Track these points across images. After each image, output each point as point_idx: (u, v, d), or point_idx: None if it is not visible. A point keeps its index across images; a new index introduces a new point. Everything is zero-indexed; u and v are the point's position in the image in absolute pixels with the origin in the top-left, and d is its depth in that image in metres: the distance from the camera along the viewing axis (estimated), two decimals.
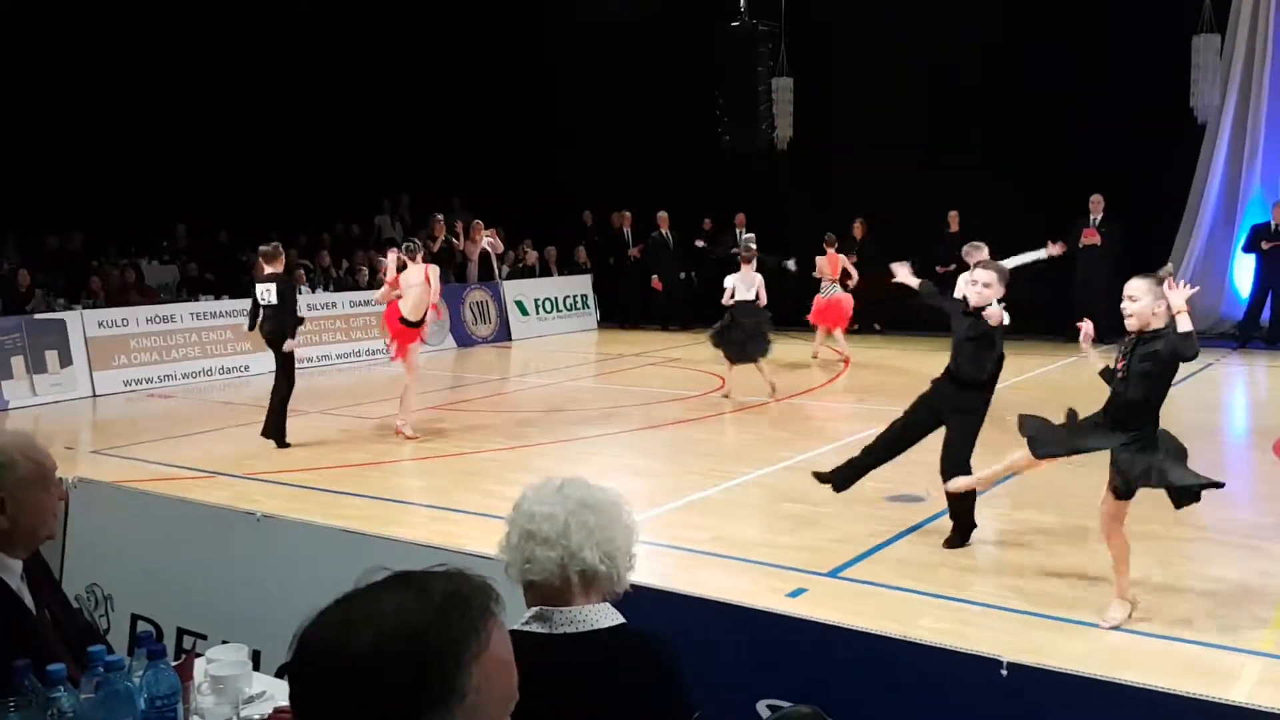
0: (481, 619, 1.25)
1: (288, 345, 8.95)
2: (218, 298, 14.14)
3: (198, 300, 14.02)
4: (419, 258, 9.55)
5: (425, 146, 18.34)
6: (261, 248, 9.08)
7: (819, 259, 13.74)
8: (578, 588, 2.04)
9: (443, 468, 8.45)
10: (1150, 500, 6.89)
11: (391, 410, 9.94)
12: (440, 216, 16.67)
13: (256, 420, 9.33)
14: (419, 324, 9.44)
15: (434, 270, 9.56)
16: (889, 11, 15.22)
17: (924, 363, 13.33)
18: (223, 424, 10.35)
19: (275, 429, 9.09)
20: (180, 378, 12.92)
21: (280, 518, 4.15)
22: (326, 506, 7.12)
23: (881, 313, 16.00)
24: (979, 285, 5.90)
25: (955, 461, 5.86)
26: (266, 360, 13.44)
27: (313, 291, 14.94)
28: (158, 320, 12.97)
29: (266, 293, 8.94)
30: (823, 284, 13.61)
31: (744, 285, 10.83)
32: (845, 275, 13.73)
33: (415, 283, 9.29)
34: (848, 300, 13.66)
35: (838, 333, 13.59)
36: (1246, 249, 13.97)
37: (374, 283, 15.74)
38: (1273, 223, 13.67)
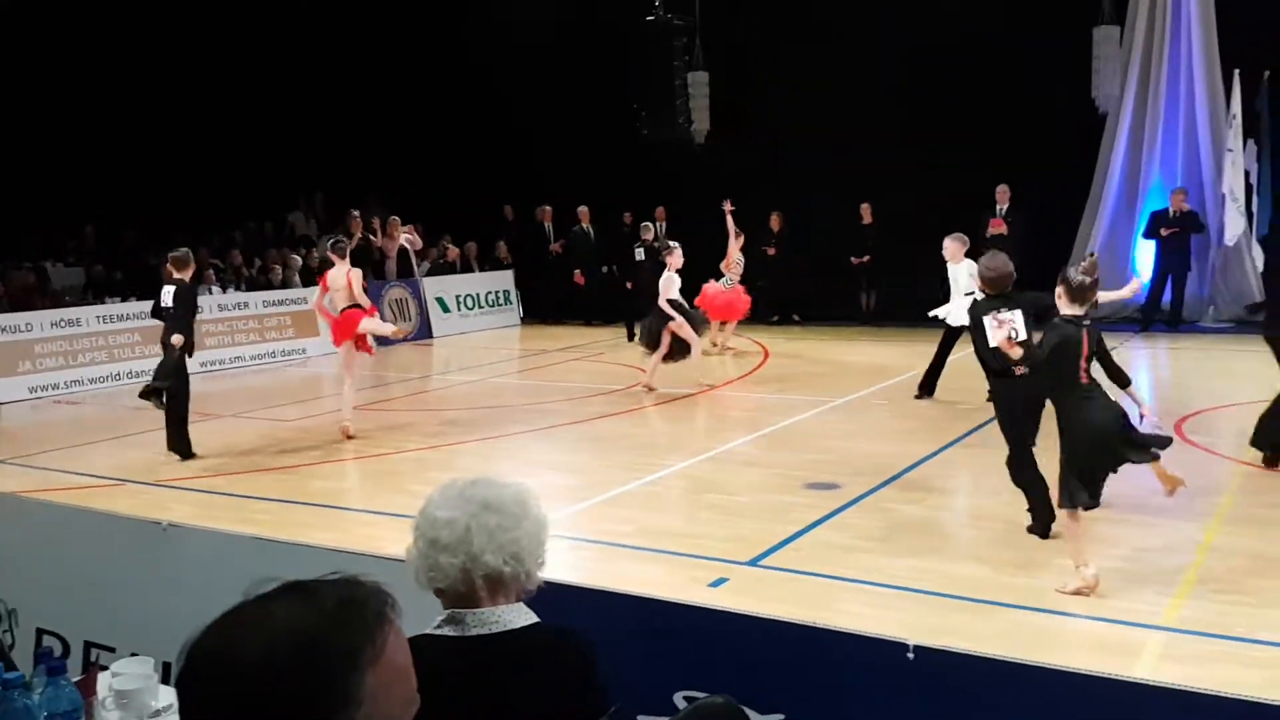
0: (376, 625, 1.23)
1: (175, 339, 8.52)
2: (125, 299, 13.74)
3: (104, 303, 13.61)
4: (346, 259, 9.44)
5: (339, 142, 18.03)
6: (171, 254, 8.84)
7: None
8: (484, 591, 2.03)
9: (363, 469, 8.35)
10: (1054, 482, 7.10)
11: (305, 411, 9.82)
12: (357, 213, 16.42)
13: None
14: (350, 308, 9.27)
15: (356, 274, 9.39)
16: (798, 8, 15.44)
17: (841, 352, 13.60)
18: (132, 430, 10.07)
19: (182, 442, 8.72)
20: (87, 383, 12.54)
21: (188, 526, 4.07)
22: (240, 512, 6.98)
23: (799, 304, 16.23)
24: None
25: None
26: None
27: (224, 291, 14.62)
28: (63, 324, 12.57)
29: (166, 295, 8.72)
30: (725, 277, 13.53)
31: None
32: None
33: (341, 285, 9.26)
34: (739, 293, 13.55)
35: (729, 326, 13.67)
36: (1147, 235, 14.45)
37: (287, 281, 15.49)
38: (1171, 209, 14.15)
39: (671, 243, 11.35)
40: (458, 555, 2.00)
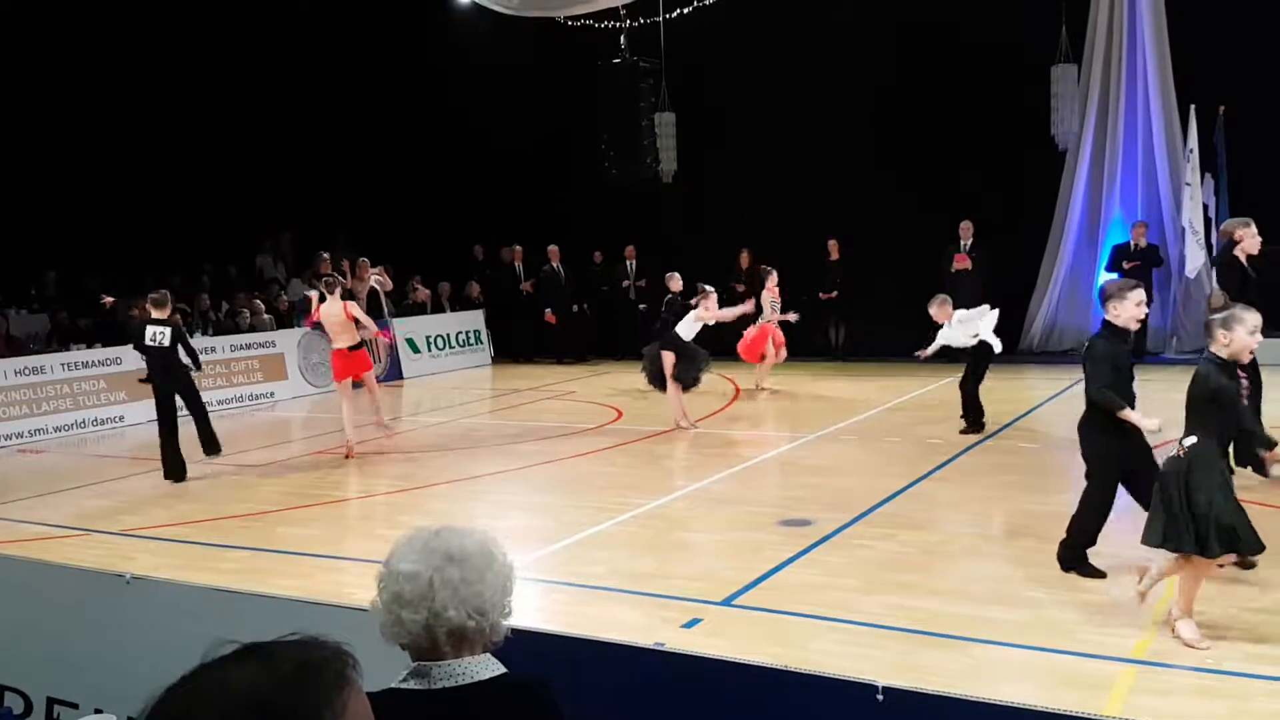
0: (336, 688, 1.22)
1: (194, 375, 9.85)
2: (90, 346, 13.60)
3: (69, 350, 13.46)
4: (337, 293, 10.26)
5: (307, 183, 18.03)
6: (151, 295, 9.53)
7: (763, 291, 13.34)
8: (449, 645, 2.00)
9: (331, 514, 8.26)
10: (1026, 515, 7.16)
11: (272, 457, 10.04)
12: (326, 255, 16.37)
13: (130, 473, 8.99)
14: (357, 348, 10.36)
15: (352, 305, 10.35)
16: (764, 50, 15.70)
17: (811, 388, 13.66)
18: (97, 478, 9.94)
19: (179, 468, 9.47)
20: (52, 431, 12.38)
21: (151, 579, 4.01)
22: (206, 561, 6.89)
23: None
24: None
25: None
26: (141, 410, 13.09)
27: (191, 336, 14.48)
28: (26, 372, 12.41)
29: (160, 334, 9.40)
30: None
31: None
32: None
33: (334, 313, 10.17)
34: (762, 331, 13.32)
35: (764, 365, 13.39)
36: (1109, 268, 14.66)
37: (255, 325, 15.39)
38: (1132, 243, 14.39)
39: (708, 287, 11.12)
40: (420, 611, 1.97)
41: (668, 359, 10.85)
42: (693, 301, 10.97)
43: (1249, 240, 8.00)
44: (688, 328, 10.90)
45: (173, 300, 10.08)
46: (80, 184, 15.56)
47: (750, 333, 13.29)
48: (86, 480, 9.90)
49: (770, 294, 13.33)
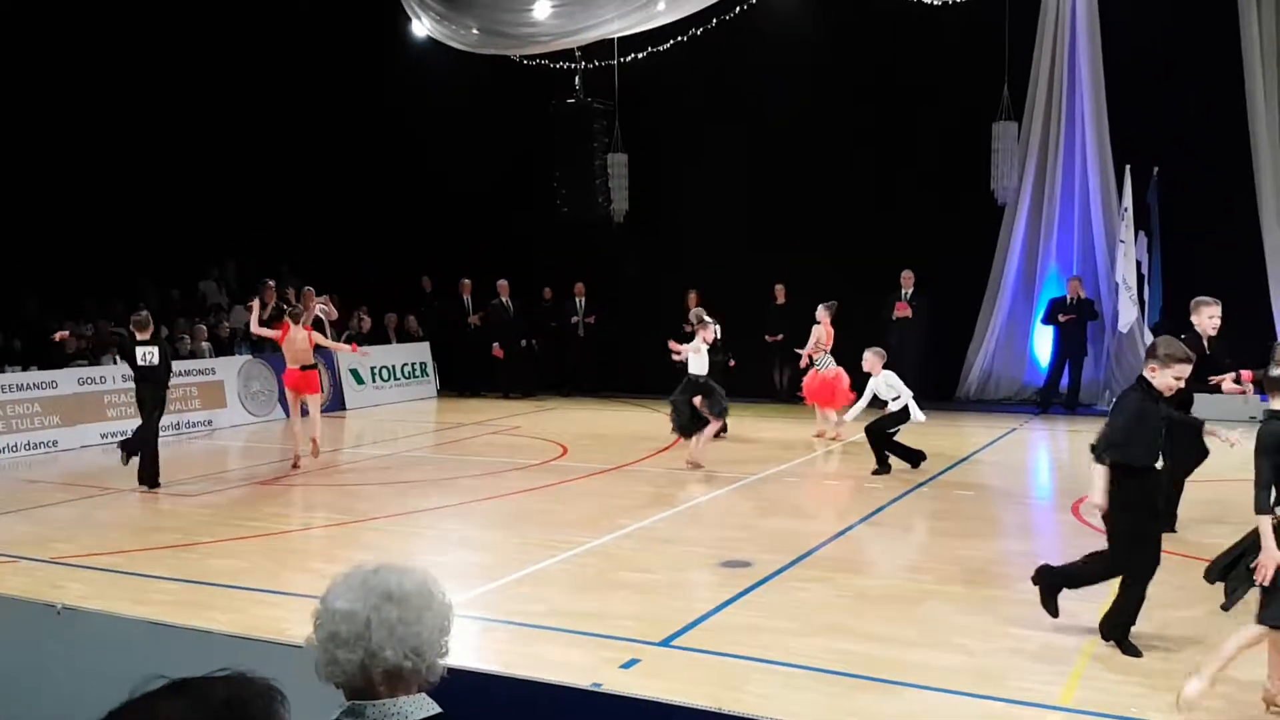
0: None
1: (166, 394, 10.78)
2: (25, 369, 13.31)
3: (2, 372, 13.15)
4: (300, 322, 11.45)
5: (253, 210, 17.87)
6: (134, 317, 10.62)
7: (819, 328, 12.78)
8: (384, 685, 2.00)
9: (267, 546, 8.15)
10: (960, 561, 7.29)
11: (208, 486, 10.30)
12: (271, 282, 16.21)
13: (63, 499, 8.78)
14: (310, 368, 11.46)
15: (316, 334, 11.64)
16: (715, 96, 16.00)
17: (755, 429, 13.77)
18: (27, 504, 9.70)
19: (155, 475, 10.30)
20: None
21: (83, 610, 3.95)
22: (138, 592, 6.76)
23: (723, 381, 16.44)
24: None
25: None
26: (75, 435, 12.86)
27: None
28: None
29: (149, 354, 10.28)
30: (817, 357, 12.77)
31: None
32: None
33: (297, 338, 11.33)
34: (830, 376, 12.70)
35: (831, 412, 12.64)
36: (1045, 321, 15.04)
37: (195, 351, 15.16)
38: (1068, 296, 14.78)
39: (707, 318, 11.19)
40: (356, 650, 1.96)
41: (698, 401, 10.85)
42: (687, 329, 11.03)
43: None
44: (700, 362, 10.92)
45: (98, 328, 11.02)
46: (19, 204, 15.26)
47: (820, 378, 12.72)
48: (15, 506, 9.66)
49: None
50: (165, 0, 16.02)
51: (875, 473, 10.49)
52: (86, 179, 16.03)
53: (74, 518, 9.18)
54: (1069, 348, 14.82)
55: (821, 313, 12.77)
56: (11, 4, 14.52)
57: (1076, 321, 14.65)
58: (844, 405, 12.36)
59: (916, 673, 5.26)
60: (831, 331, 12.70)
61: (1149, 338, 14.37)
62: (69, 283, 15.50)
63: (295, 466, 11.20)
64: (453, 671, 2.13)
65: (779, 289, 16.06)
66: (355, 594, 2.02)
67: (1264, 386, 4.97)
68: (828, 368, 12.66)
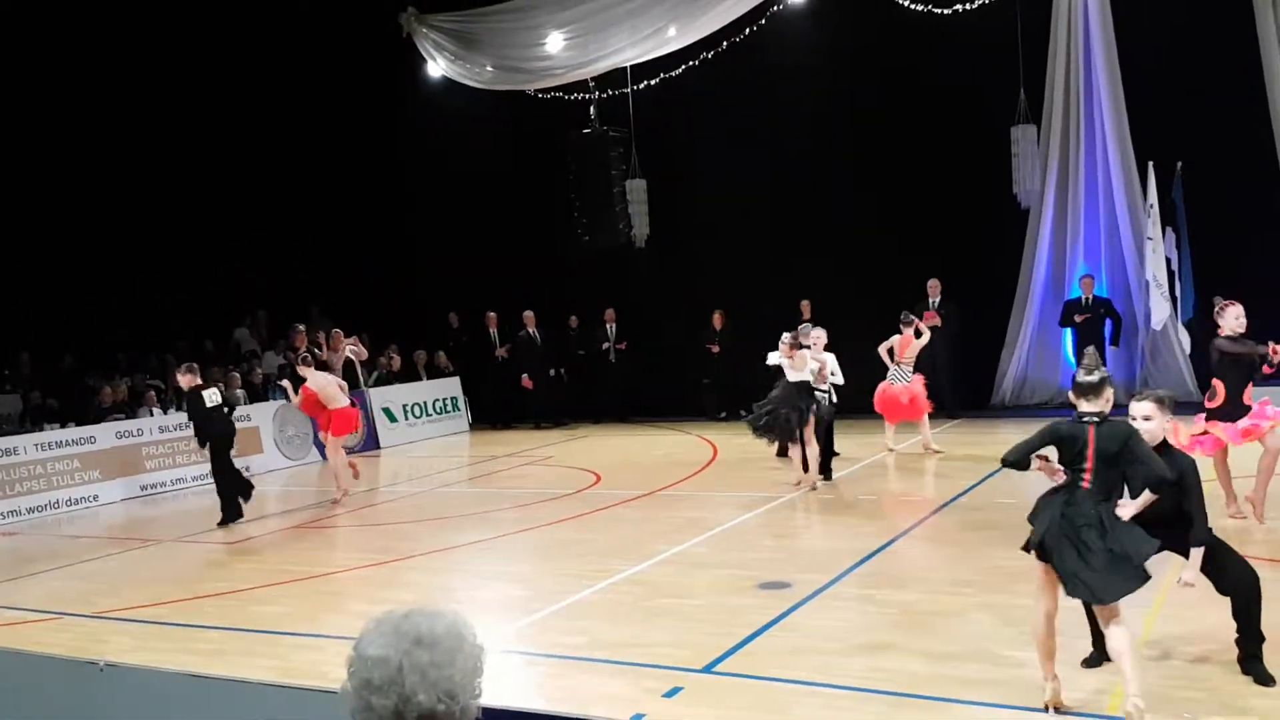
0: None
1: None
2: (63, 426, 13.51)
3: (42, 430, 13.36)
4: (311, 369, 11.99)
5: (282, 257, 18.10)
6: (188, 365, 11.29)
7: (895, 338, 12.34)
8: None
9: (306, 590, 8.18)
10: (1003, 571, 7.18)
11: (247, 532, 10.34)
12: (302, 327, 16.41)
13: (105, 553, 8.89)
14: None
15: (328, 378, 12.23)
16: (729, 117, 16.02)
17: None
18: (70, 559, 9.82)
19: (235, 509, 10.91)
20: (25, 513, 12.26)
21: (125, 665, 3.98)
22: (181, 643, 6.81)
23: (746, 400, 16.37)
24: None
25: None
26: (116, 489, 13.01)
27: (165, 413, 14.43)
28: None
29: (213, 395, 10.97)
30: (891, 369, 12.37)
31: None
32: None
33: (334, 393, 11.91)
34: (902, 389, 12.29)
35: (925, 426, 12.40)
36: (1061, 324, 14.85)
37: (230, 400, 15.29)
38: (1083, 296, 14.61)
39: (786, 335, 10.96)
40: (390, 696, 1.97)
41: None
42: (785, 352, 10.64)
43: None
44: (800, 375, 10.68)
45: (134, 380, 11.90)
46: (54, 264, 15.55)
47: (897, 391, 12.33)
48: (59, 562, 9.78)
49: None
50: (190, 53, 16.32)
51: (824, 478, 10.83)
52: (118, 237, 16.31)
53: (117, 571, 9.27)
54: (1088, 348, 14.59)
55: (919, 324, 12.45)
56: (67, 56, 14.87)
57: (1092, 321, 14.45)
58: (902, 420, 12.27)
59: (964, 688, 5.18)
60: (911, 341, 12.29)
61: (1183, 334, 14.20)
62: (103, 339, 15.74)
63: (336, 503, 11.75)
64: (487, 712, 2.13)
65: (805, 304, 15.98)
66: (387, 639, 2.03)
67: None
68: (902, 380, 12.25)
